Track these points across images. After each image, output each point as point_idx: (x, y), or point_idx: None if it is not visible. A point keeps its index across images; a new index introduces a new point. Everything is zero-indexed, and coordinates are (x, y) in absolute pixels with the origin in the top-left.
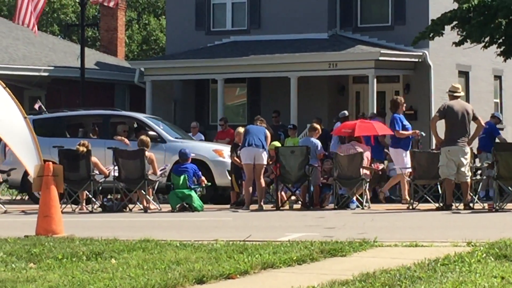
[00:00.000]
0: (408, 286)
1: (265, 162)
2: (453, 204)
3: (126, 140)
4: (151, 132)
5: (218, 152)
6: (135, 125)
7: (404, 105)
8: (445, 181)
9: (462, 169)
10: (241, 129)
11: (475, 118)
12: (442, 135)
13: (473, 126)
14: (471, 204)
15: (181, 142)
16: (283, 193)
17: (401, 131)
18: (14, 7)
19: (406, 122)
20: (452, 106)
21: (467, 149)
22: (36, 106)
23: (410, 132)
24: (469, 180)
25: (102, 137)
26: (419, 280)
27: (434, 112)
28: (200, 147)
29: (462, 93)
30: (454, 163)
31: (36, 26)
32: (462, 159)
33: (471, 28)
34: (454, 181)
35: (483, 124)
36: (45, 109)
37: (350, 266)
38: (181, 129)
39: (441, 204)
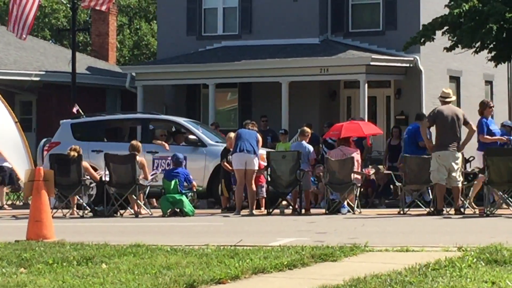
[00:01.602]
0: None
1: (256, 168)
2: (444, 208)
3: (166, 144)
4: (191, 136)
5: (260, 157)
6: (173, 129)
7: (492, 108)
8: (436, 186)
9: (454, 174)
10: (232, 134)
11: (466, 123)
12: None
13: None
14: (462, 209)
15: (222, 146)
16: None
17: (485, 136)
18: (8, 14)
19: (494, 127)
20: (442, 111)
21: (458, 154)
22: (74, 110)
23: (495, 137)
24: (460, 185)
25: (141, 141)
26: (410, 285)
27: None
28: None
29: (454, 98)
30: (445, 168)
31: (27, 32)
32: (453, 164)
33: (462, 33)
34: (446, 186)
35: (475, 128)
36: (82, 113)
37: (341, 271)
38: (219, 134)
39: (432, 209)
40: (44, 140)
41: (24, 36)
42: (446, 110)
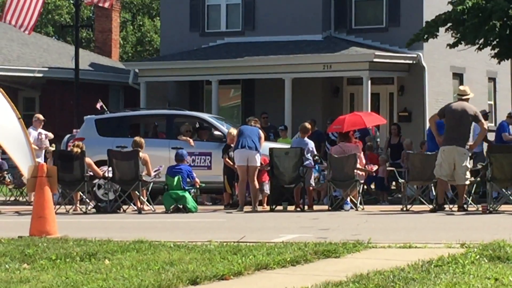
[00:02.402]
0: (402, 287)
1: (258, 164)
2: (446, 202)
3: (191, 140)
4: (216, 132)
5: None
6: (197, 125)
7: None
8: (437, 180)
9: (459, 171)
10: (232, 130)
11: (477, 121)
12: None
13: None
14: (464, 206)
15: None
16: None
17: None
18: (3, 6)
19: None
20: (451, 106)
21: (464, 151)
22: (98, 106)
23: None
24: (467, 183)
25: (166, 137)
26: (412, 282)
27: (428, 113)
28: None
29: (471, 95)
30: (448, 163)
31: (32, 26)
32: (458, 160)
33: (465, 30)
34: (448, 182)
35: (486, 127)
36: (106, 109)
37: (344, 267)
38: None
39: (434, 205)
40: (68, 136)
41: (28, 30)
42: (456, 105)
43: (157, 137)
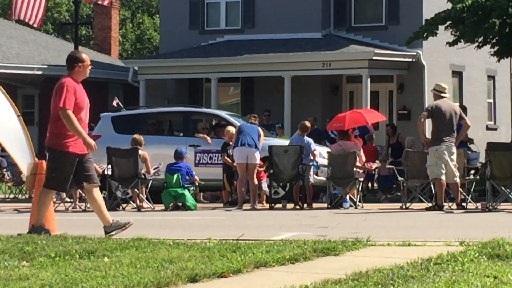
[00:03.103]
0: (401, 285)
1: (258, 162)
2: (446, 202)
3: (208, 138)
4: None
5: None
6: (214, 122)
7: None
8: (435, 181)
9: (450, 169)
10: (230, 128)
11: (461, 118)
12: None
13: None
14: (463, 204)
15: (264, 140)
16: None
17: None
18: (11, 3)
19: None
20: (440, 106)
21: (454, 149)
22: (114, 103)
23: None
24: (458, 180)
25: (183, 134)
26: (412, 279)
27: None
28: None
29: (448, 95)
30: (442, 162)
31: (40, 18)
32: (449, 159)
33: (465, 28)
34: (445, 181)
35: (469, 124)
36: (122, 106)
37: (343, 265)
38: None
39: (433, 204)
40: None
41: (37, 23)
42: (444, 105)
43: (173, 134)
